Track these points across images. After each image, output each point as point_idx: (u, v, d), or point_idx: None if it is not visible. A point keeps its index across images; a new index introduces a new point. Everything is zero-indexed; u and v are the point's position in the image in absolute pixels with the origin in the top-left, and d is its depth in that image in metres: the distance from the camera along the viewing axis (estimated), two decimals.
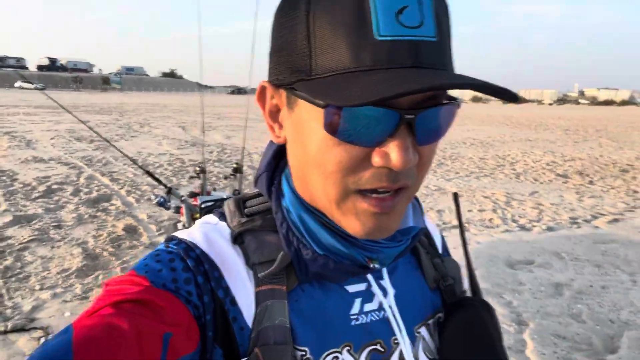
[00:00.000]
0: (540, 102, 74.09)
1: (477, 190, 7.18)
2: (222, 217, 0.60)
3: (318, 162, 0.47)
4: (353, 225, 0.49)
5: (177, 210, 2.86)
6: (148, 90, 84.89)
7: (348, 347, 0.54)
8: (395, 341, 0.57)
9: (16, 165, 7.97)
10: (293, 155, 0.53)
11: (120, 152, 3.59)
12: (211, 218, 0.60)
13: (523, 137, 15.70)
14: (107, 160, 8.87)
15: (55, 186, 6.56)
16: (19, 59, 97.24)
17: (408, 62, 0.41)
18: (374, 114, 0.42)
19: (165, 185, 2.84)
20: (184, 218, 2.76)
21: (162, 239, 4.50)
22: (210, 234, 0.56)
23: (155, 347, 0.43)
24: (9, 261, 3.93)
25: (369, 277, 0.58)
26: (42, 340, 2.80)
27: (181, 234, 0.56)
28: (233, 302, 0.52)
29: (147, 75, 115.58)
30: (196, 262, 0.52)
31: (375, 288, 0.57)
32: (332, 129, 0.44)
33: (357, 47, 0.41)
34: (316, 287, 0.55)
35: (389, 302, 0.57)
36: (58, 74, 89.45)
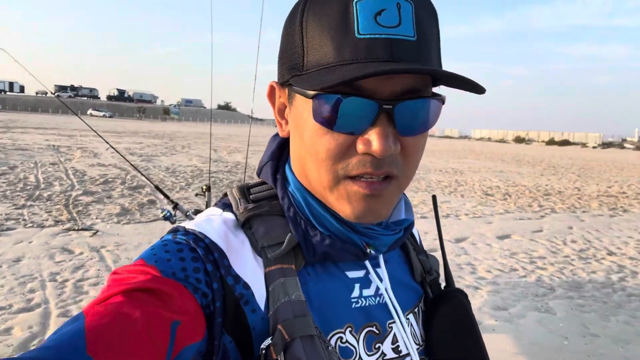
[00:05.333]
0: (584, 145, 73.40)
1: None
2: (226, 207, 0.62)
3: (311, 150, 0.51)
4: (344, 208, 0.52)
5: None
6: (203, 121, 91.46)
7: (350, 328, 0.57)
8: (390, 325, 0.60)
9: (86, 167, 11.39)
10: (293, 147, 0.57)
11: (128, 161, 6.30)
12: (215, 210, 0.62)
13: (499, 169, 17.88)
14: (148, 167, 12.20)
15: (110, 179, 9.81)
16: (91, 89, 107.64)
17: (384, 57, 0.45)
18: (356, 104, 0.46)
19: (172, 201, 2.90)
20: None
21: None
22: (216, 224, 0.57)
23: (163, 336, 0.44)
24: (78, 209, 7.04)
25: (367, 264, 0.61)
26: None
27: (187, 224, 0.57)
28: (245, 286, 0.53)
29: (204, 107, 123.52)
30: (205, 251, 0.53)
31: (372, 275, 0.60)
32: (320, 118, 0.48)
33: (339, 45, 0.46)
34: (320, 272, 0.58)
35: (386, 287, 0.61)
36: (125, 104, 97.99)
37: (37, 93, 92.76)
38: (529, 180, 14.40)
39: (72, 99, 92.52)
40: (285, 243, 0.55)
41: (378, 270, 0.62)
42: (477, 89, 0.48)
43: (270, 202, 0.60)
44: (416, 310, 0.66)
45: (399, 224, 0.61)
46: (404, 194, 0.65)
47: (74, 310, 3.56)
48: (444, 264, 0.73)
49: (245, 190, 0.63)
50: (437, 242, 0.78)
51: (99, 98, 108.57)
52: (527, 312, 4.04)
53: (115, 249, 5.21)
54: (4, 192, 7.83)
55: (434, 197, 0.75)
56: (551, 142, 78.03)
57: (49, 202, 7.37)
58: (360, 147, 0.48)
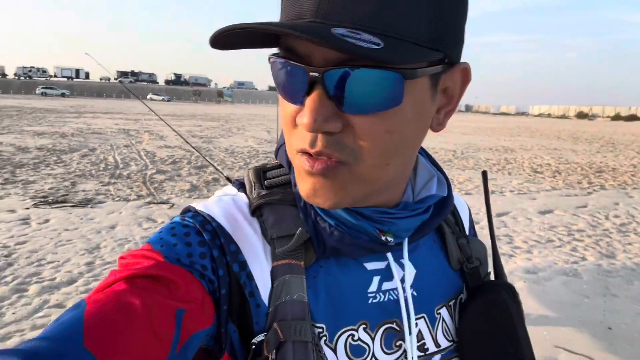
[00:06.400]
0: None
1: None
2: (242, 187, 0.59)
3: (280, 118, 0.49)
4: (299, 185, 0.49)
5: None
6: (255, 103, 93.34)
7: (364, 325, 0.53)
8: (415, 321, 0.56)
9: (155, 149, 12.51)
10: None
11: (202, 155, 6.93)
12: (230, 189, 0.60)
13: (553, 147, 17.58)
14: (209, 148, 13.20)
15: (177, 160, 10.81)
16: (150, 75, 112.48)
17: (307, 15, 0.41)
18: (286, 69, 0.44)
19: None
20: None
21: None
22: (228, 206, 0.56)
23: (167, 324, 0.43)
24: (154, 186, 8.00)
25: (389, 255, 0.56)
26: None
27: (198, 205, 0.56)
28: (249, 276, 0.51)
29: (256, 89, 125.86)
30: (212, 236, 0.52)
31: (393, 267, 0.55)
32: (275, 82, 0.46)
33: (287, 5, 0.44)
34: (334, 264, 0.54)
35: (405, 284, 0.56)
36: (181, 88, 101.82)
37: (101, 79, 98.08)
38: (583, 158, 14.19)
39: (133, 84, 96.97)
40: (295, 237, 0.52)
41: (402, 261, 0.57)
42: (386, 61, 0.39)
43: (284, 189, 0.57)
44: (452, 303, 0.60)
45: (423, 202, 0.55)
46: (438, 170, 0.61)
47: None
48: (492, 252, 0.66)
49: (260, 174, 0.60)
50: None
51: (157, 83, 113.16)
52: (555, 276, 4.45)
53: None
54: (90, 171, 8.95)
55: (484, 173, 0.68)
56: (617, 118, 73.64)
57: (129, 179, 8.38)
58: (297, 118, 0.45)
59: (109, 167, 9.59)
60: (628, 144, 20.21)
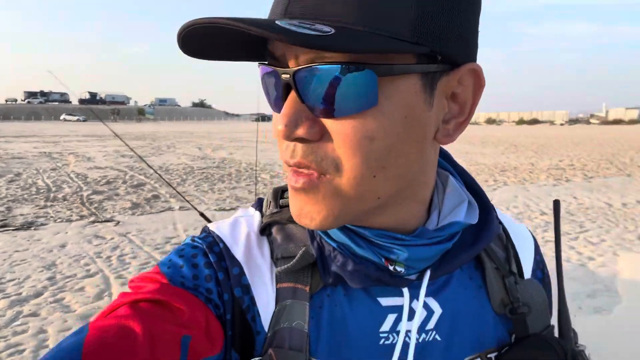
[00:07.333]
0: (552, 122, 76.26)
1: None
2: (260, 206, 0.58)
3: None
4: (290, 206, 0.47)
5: None
6: (179, 120, 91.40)
7: None
8: None
9: (85, 170, 12.38)
10: None
11: (162, 176, 6.95)
12: (249, 210, 0.58)
13: (465, 151, 19.45)
14: (143, 167, 13.25)
15: (111, 180, 10.85)
16: (62, 94, 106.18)
17: (278, 13, 0.40)
18: (266, 75, 0.43)
19: (208, 220, 2.24)
20: None
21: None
22: (239, 226, 0.54)
23: (171, 351, 0.42)
24: (94, 205, 8.13)
25: (405, 290, 0.49)
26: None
27: (212, 225, 0.55)
28: (253, 300, 0.49)
29: (179, 105, 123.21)
30: (219, 258, 0.50)
31: (406, 304, 0.49)
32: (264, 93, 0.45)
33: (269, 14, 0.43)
34: (342, 295, 0.49)
35: (413, 326, 0.49)
36: (98, 107, 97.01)
37: (7, 101, 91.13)
38: (490, 159, 15.91)
39: (43, 105, 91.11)
40: (296, 257, 0.49)
41: (426, 299, 0.50)
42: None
43: None
44: (492, 356, 0.51)
45: (443, 230, 0.48)
46: (475, 194, 0.55)
47: (126, 275, 4.72)
48: (558, 302, 0.55)
49: (278, 193, 0.57)
50: None
51: (71, 102, 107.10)
52: None
53: (138, 233, 6.35)
54: (22, 196, 8.84)
55: (556, 203, 0.58)
56: (521, 122, 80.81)
57: (65, 201, 8.42)
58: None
59: (41, 190, 9.48)
60: (528, 146, 22.73)
